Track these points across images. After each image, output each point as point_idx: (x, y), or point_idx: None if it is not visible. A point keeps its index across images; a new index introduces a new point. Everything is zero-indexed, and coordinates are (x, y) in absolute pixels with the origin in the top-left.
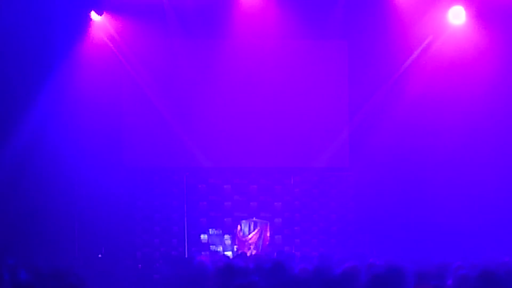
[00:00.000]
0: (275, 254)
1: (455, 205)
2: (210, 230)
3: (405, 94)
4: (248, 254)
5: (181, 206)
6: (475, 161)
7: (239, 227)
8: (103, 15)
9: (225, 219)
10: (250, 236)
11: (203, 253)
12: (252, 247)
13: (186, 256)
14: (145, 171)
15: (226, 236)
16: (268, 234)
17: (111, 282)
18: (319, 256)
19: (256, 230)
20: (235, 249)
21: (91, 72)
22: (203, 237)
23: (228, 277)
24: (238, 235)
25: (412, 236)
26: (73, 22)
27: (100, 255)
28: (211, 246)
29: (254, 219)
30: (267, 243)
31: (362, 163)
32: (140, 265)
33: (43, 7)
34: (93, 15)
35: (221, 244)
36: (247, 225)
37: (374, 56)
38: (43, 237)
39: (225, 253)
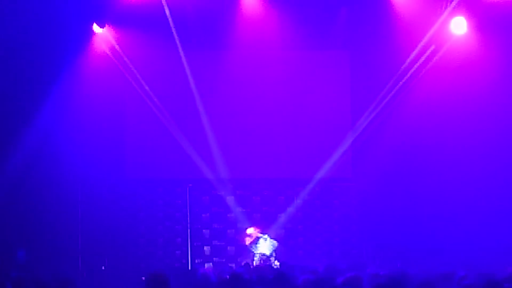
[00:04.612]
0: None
1: (458, 215)
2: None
3: (407, 104)
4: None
5: (184, 217)
6: (477, 171)
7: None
8: (105, 28)
9: (228, 231)
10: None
11: (206, 264)
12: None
13: (190, 267)
14: (148, 183)
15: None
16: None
17: None
18: (324, 268)
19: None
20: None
21: (93, 84)
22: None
23: None
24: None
25: (416, 246)
26: (75, 34)
27: (103, 267)
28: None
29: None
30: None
31: (365, 174)
32: (143, 277)
33: (46, 20)
34: (95, 27)
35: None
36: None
37: (376, 66)
38: (46, 249)
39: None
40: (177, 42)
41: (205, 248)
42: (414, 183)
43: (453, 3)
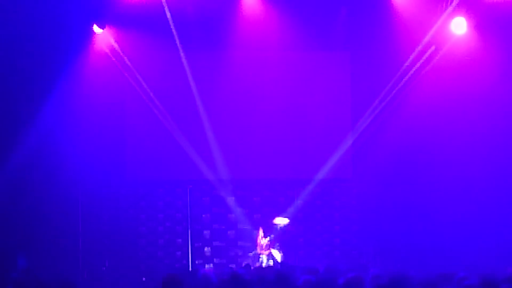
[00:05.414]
0: (279, 266)
1: (458, 215)
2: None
3: (408, 104)
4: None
5: (184, 218)
6: (478, 171)
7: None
8: (105, 28)
9: (229, 232)
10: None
11: (207, 265)
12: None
13: (190, 268)
14: (148, 184)
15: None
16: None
17: None
18: (325, 269)
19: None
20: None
21: (94, 85)
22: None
23: None
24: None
25: (416, 247)
26: (76, 35)
27: (104, 268)
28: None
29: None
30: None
31: (365, 174)
32: (144, 278)
33: (47, 21)
34: (96, 28)
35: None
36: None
37: (376, 67)
38: (47, 250)
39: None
40: (177, 42)
41: (206, 249)
42: (414, 184)
43: (453, 4)
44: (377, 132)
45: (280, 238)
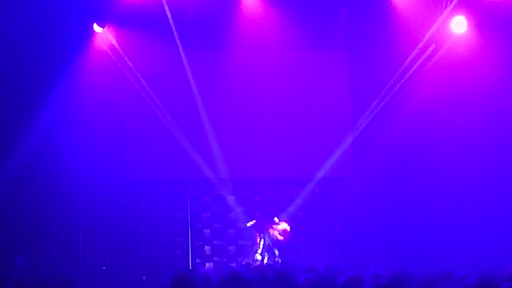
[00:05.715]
0: (279, 265)
1: (458, 215)
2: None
3: (408, 103)
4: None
5: (185, 217)
6: (477, 170)
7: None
8: (105, 27)
9: (229, 230)
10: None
11: (207, 264)
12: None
13: (190, 267)
14: (148, 183)
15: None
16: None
17: None
18: (325, 268)
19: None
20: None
21: (94, 84)
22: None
23: None
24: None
25: (416, 246)
26: (76, 34)
27: (104, 267)
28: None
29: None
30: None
31: (365, 173)
32: (144, 277)
33: (47, 20)
34: (96, 27)
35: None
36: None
37: (376, 65)
38: (47, 249)
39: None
40: (178, 41)
41: (206, 247)
42: (414, 183)
43: (453, 2)
44: (377, 131)
45: (273, 237)
